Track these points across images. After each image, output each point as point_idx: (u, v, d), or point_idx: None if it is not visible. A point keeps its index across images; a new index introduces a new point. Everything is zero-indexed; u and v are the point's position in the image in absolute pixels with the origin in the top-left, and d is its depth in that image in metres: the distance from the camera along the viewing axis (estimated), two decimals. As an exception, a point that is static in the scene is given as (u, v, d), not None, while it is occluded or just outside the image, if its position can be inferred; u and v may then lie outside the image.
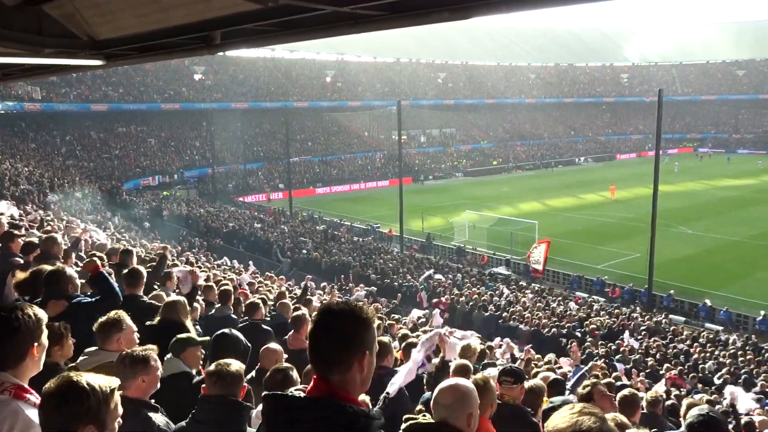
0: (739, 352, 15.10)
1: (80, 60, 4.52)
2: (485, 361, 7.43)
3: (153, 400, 3.14)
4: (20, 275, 4.77)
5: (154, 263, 7.78)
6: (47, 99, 45.51)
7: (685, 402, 6.83)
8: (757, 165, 61.20)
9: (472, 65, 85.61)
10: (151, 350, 3.13)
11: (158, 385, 3.16)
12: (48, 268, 4.72)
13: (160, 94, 54.46)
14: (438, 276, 23.31)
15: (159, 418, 3.06)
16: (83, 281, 5.15)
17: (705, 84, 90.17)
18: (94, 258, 4.97)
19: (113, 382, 2.04)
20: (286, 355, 4.75)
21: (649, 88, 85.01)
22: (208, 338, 4.42)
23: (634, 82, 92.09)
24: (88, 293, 4.87)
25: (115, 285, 4.69)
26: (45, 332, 2.43)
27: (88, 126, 48.98)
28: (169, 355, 3.92)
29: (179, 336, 4.03)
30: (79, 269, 6.01)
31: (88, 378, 1.97)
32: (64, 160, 41.34)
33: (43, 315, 2.43)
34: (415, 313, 14.99)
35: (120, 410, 2.05)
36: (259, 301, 6.83)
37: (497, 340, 12.66)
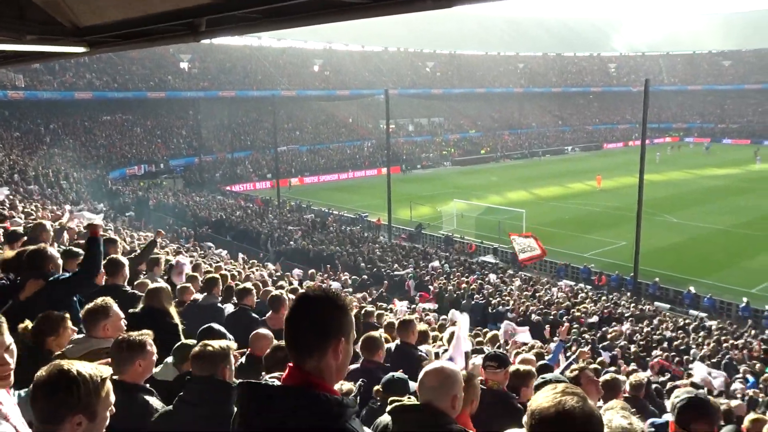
0: (723, 338, 15.37)
1: (63, 47, 4.47)
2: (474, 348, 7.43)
3: (148, 384, 3.18)
4: (6, 253, 4.75)
5: (141, 248, 7.69)
6: (31, 87, 44.83)
7: (676, 391, 6.96)
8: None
9: (461, 54, 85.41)
10: (147, 335, 3.16)
11: (153, 370, 3.19)
12: (31, 247, 4.71)
13: (146, 83, 53.77)
14: (435, 263, 23.56)
15: (155, 402, 3.09)
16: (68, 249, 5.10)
17: (691, 74, 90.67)
18: (97, 224, 4.95)
19: (105, 371, 2.04)
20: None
21: (636, 78, 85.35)
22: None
23: (621, 72, 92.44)
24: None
25: (101, 259, 4.66)
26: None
27: (73, 114, 48.32)
28: (169, 359, 3.89)
29: (184, 342, 3.98)
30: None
31: (79, 367, 1.97)
32: (48, 149, 40.82)
33: None
34: (401, 305, 14.88)
35: (112, 398, 2.06)
36: (252, 287, 6.70)
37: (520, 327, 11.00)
